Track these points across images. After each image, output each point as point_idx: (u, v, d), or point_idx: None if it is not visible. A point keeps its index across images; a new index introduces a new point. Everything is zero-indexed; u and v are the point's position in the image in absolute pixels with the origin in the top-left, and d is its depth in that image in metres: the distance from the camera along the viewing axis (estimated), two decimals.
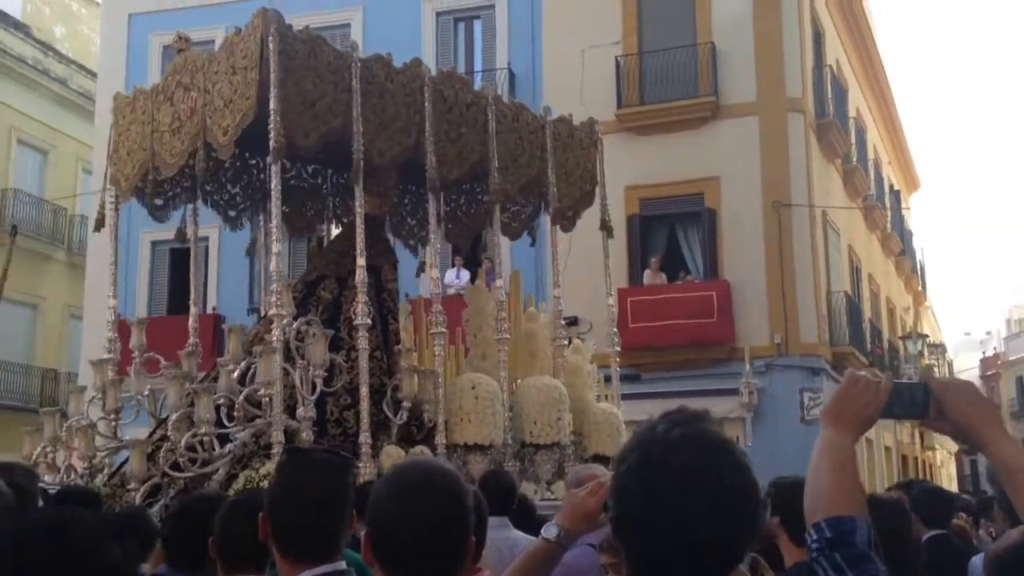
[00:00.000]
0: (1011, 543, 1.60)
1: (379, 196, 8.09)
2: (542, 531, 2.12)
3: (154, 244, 18.06)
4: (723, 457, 1.41)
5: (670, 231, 16.33)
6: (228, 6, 18.51)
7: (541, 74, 16.57)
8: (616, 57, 16.31)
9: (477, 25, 17.87)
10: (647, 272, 15.66)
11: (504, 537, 4.37)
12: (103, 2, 20.20)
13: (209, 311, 17.65)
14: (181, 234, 8.45)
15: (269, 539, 2.09)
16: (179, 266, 18.52)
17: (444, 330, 7.60)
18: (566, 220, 8.96)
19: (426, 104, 7.41)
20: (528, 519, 5.20)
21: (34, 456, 7.07)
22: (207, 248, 17.76)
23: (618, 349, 9.26)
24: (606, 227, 9.36)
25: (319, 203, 9.22)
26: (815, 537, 1.47)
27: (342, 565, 2.11)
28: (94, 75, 21.34)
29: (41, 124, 22.90)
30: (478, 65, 17.50)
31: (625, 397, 9.47)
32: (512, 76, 16.71)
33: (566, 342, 8.81)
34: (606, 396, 9.20)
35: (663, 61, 16.16)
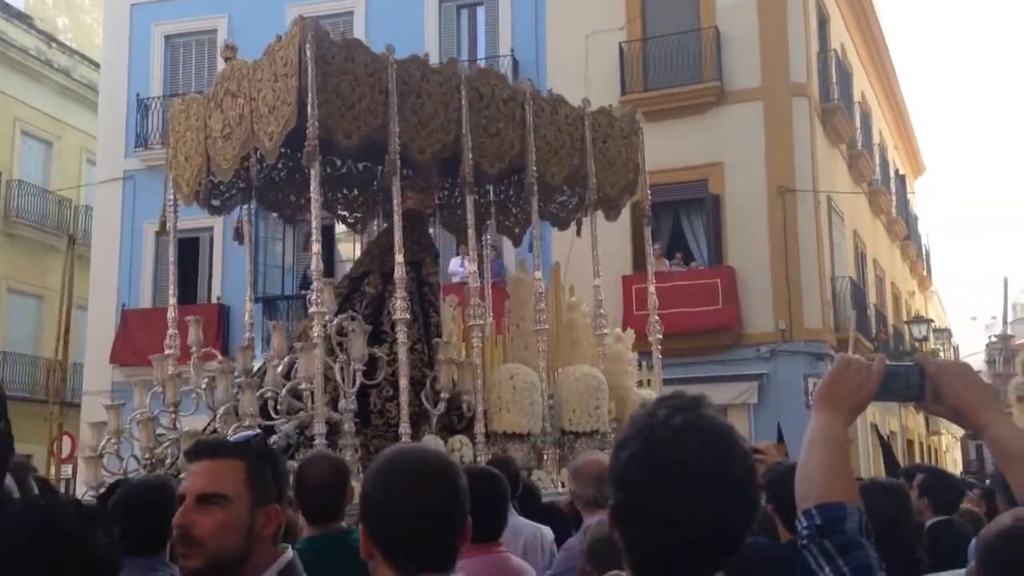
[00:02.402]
0: (1001, 528, 1.59)
1: (422, 192, 8.36)
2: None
3: (158, 234, 18.09)
4: (725, 444, 1.40)
5: (674, 217, 16.30)
6: None
7: (545, 61, 16.52)
8: (620, 43, 16.25)
9: (480, 12, 17.81)
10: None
11: (509, 524, 4.39)
12: None
13: (213, 301, 17.69)
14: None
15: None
16: (185, 256, 18.56)
17: (482, 322, 7.82)
18: (611, 209, 9.16)
19: (462, 102, 7.60)
20: (533, 506, 5.22)
21: (100, 448, 7.35)
22: (211, 239, 17.78)
23: (659, 336, 9.35)
24: (646, 215, 9.59)
25: (370, 198, 9.49)
26: (805, 524, 1.46)
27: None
28: (97, 65, 21.33)
29: (45, 115, 22.90)
30: (481, 52, 17.45)
31: None
32: (516, 63, 16.66)
33: (606, 331, 8.93)
34: (648, 382, 9.31)
35: (667, 47, 16.09)
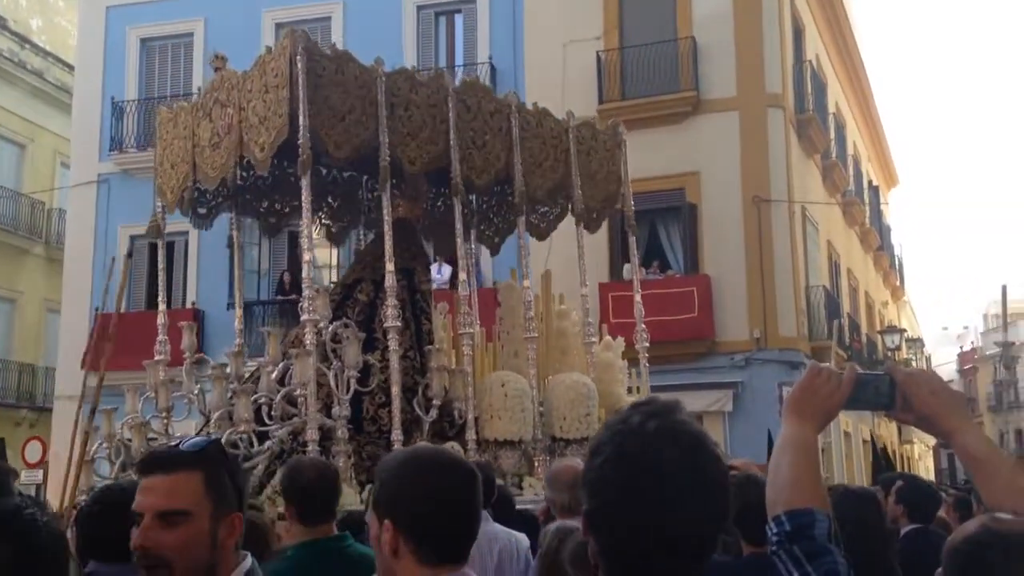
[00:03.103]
0: (967, 534, 1.61)
1: (412, 201, 8.57)
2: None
3: (133, 239, 17.94)
4: (698, 449, 1.41)
5: (651, 226, 16.37)
6: None
7: (523, 69, 16.55)
8: (597, 52, 16.32)
9: (458, 19, 17.82)
10: (627, 267, 15.69)
11: (484, 531, 4.38)
12: None
13: (188, 306, 17.55)
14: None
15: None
16: (157, 261, 18.38)
17: (472, 329, 7.97)
18: (592, 221, 9.30)
19: (450, 114, 7.76)
20: (507, 512, 5.21)
21: (92, 453, 7.44)
22: (186, 243, 17.64)
23: (647, 344, 9.45)
24: (630, 226, 9.73)
25: (356, 207, 9.61)
26: (775, 530, 1.47)
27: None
28: (71, 68, 21.15)
29: (18, 117, 22.67)
30: (459, 59, 17.46)
31: None
32: (493, 71, 16.69)
33: (595, 339, 9.07)
34: (636, 389, 9.39)
35: (644, 56, 16.18)
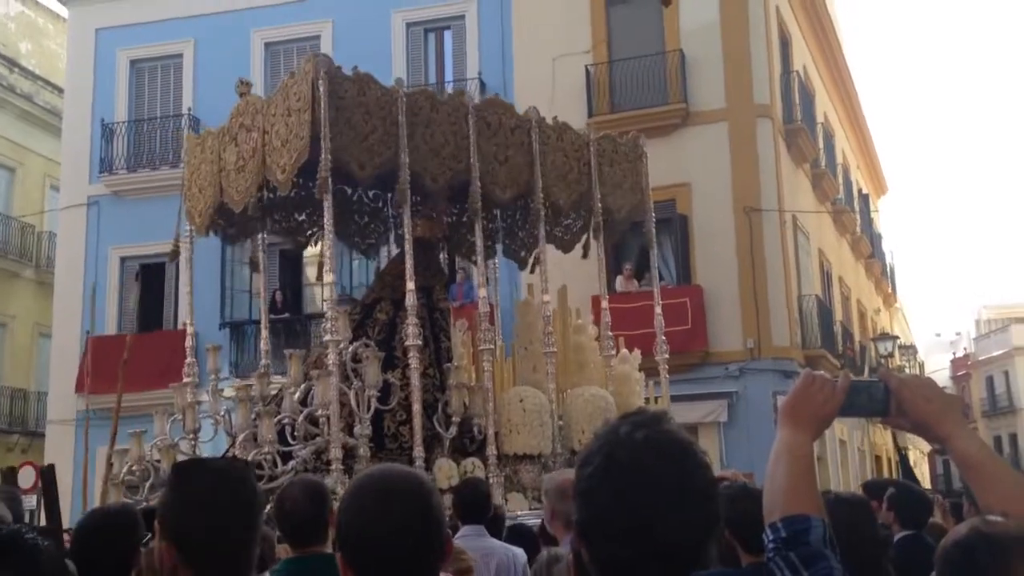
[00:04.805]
0: (958, 538, 1.61)
1: (431, 220, 8.75)
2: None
3: (123, 260, 17.90)
4: (687, 458, 1.42)
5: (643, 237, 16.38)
6: (196, 20, 18.43)
7: (512, 83, 16.61)
8: (586, 66, 16.38)
9: (447, 35, 17.89)
10: (619, 279, 15.70)
11: (479, 546, 4.37)
12: (70, 17, 20.01)
13: (180, 327, 17.49)
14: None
15: (179, 569, 1.91)
16: (150, 282, 18.35)
17: (492, 346, 8.12)
18: (615, 231, 9.59)
19: (470, 132, 7.92)
20: (501, 528, 5.19)
21: (122, 475, 7.68)
22: (177, 263, 17.57)
23: (666, 356, 9.57)
24: (649, 237, 9.96)
25: (382, 225, 9.78)
26: (771, 537, 1.48)
27: None
28: (60, 91, 21.15)
29: (7, 141, 22.64)
30: (449, 75, 17.52)
31: None
32: (483, 86, 16.73)
33: (613, 352, 9.20)
34: (655, 400, 9.51)
35: (633, 69, 16.25)
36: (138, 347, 16.52)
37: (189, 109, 18.16)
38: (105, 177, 18.16)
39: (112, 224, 17.89)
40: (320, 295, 17.68)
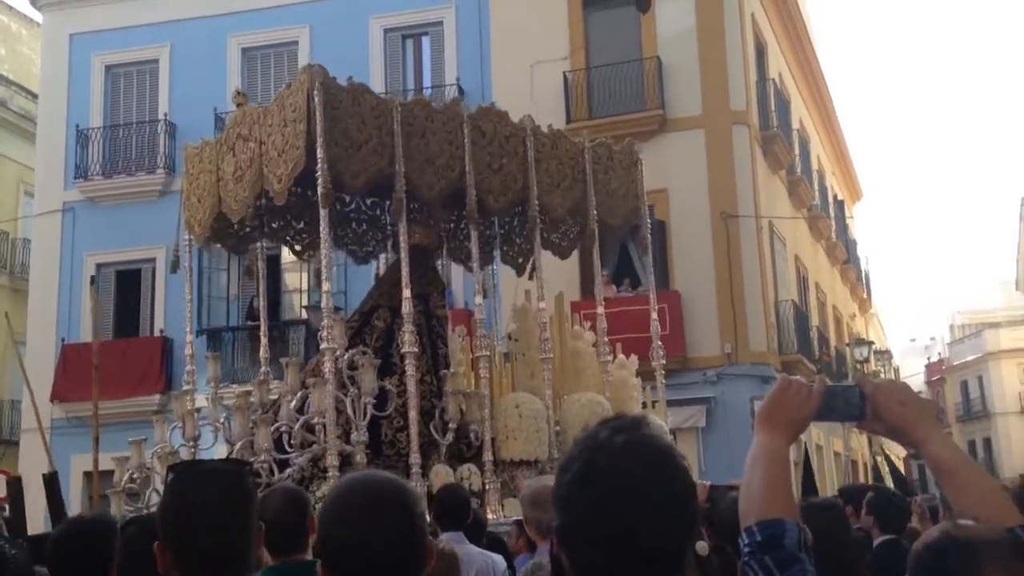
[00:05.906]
0: (929, 541, 1.63)
1: (428, 227, 8.81)
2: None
3: (99, 266, 17.74)
4: (666, 463, 1.43)
5: (621, 243, 16.43)
6: (172, 25, 18.33)
7: (490, 89, 16.61)
8: (564, 72, 16.44)
9: (425, 41, 17.89)
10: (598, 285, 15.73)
11: (461, 553, 4.36)
12: (44, 22, 19.83)
13: (156, 334, 17.36)
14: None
15: (170, 570, 1.94)
16: (125, 289, 18.19)
17: (489, 352, 8.17)
18: (612, 238, 9.69)
19: (465, 141, 7.94)
20: (480, 534, 5.18)
21: (122, 483, 7.67)
22: (153, 270, 17.48)
23: (663, 362, 9.65)
24: (643, 244, 10.04)
25: (379, 233, 9.79)
26: (747, 541, 1.50)
27: None
28: (35, 96, 20.95)
29: None
30: (427, 81, 17.51)
31: None
32: (461, 92, 16.75)
33: (610, 358, 9.26)
34: (652, 404, 9.54)
35: (610, 76, 16.32)
36: (113, 354, 16.40)
37: (165, 115, 18.05)
38: (80, 183, 18.01)
39: (87, 230, 17.74)
40: (299, 301, 17.57)
